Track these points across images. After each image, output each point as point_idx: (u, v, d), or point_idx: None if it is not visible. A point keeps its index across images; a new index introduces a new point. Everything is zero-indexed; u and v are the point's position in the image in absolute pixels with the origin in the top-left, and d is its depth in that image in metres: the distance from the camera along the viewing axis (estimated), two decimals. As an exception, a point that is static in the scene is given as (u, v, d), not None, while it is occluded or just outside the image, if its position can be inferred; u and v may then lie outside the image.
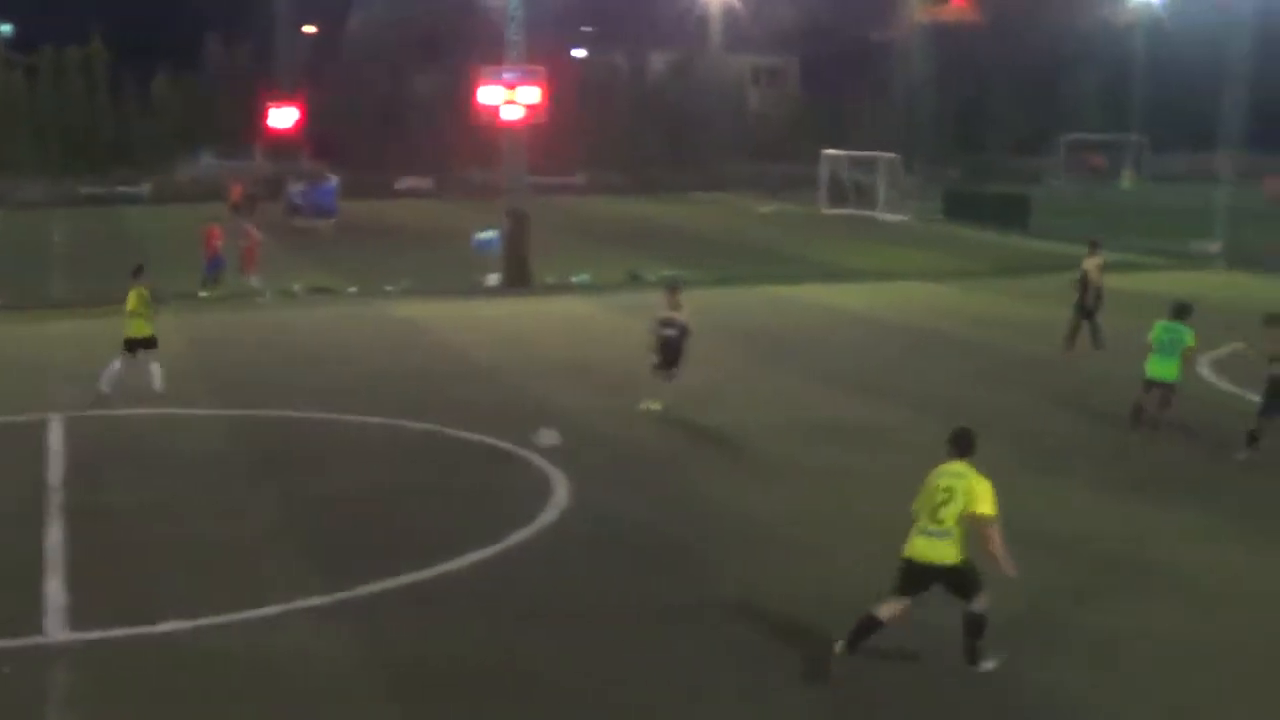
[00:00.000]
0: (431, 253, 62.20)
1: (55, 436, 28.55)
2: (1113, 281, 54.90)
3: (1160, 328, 30.27)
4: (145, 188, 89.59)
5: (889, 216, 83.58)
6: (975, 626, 18.11)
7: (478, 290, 52.29)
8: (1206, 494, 26.39)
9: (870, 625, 18.00)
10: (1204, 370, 36.87)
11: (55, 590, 20.94)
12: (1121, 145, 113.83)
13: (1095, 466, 28.65)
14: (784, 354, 40.95)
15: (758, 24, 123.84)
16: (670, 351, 32.83)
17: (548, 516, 24.77)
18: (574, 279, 55.76)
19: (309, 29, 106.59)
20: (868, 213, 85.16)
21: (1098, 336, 40.80)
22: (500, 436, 29.78)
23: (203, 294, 50.21)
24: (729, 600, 21.03)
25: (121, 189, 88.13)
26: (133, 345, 32.55)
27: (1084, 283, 41.71)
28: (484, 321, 44.75)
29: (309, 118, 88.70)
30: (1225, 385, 35.94)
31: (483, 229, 58.19)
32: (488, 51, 58.10)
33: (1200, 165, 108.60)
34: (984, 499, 17.91)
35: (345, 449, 30.07)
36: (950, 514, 17.98)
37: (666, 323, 33.12)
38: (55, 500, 25.61)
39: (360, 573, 21.34)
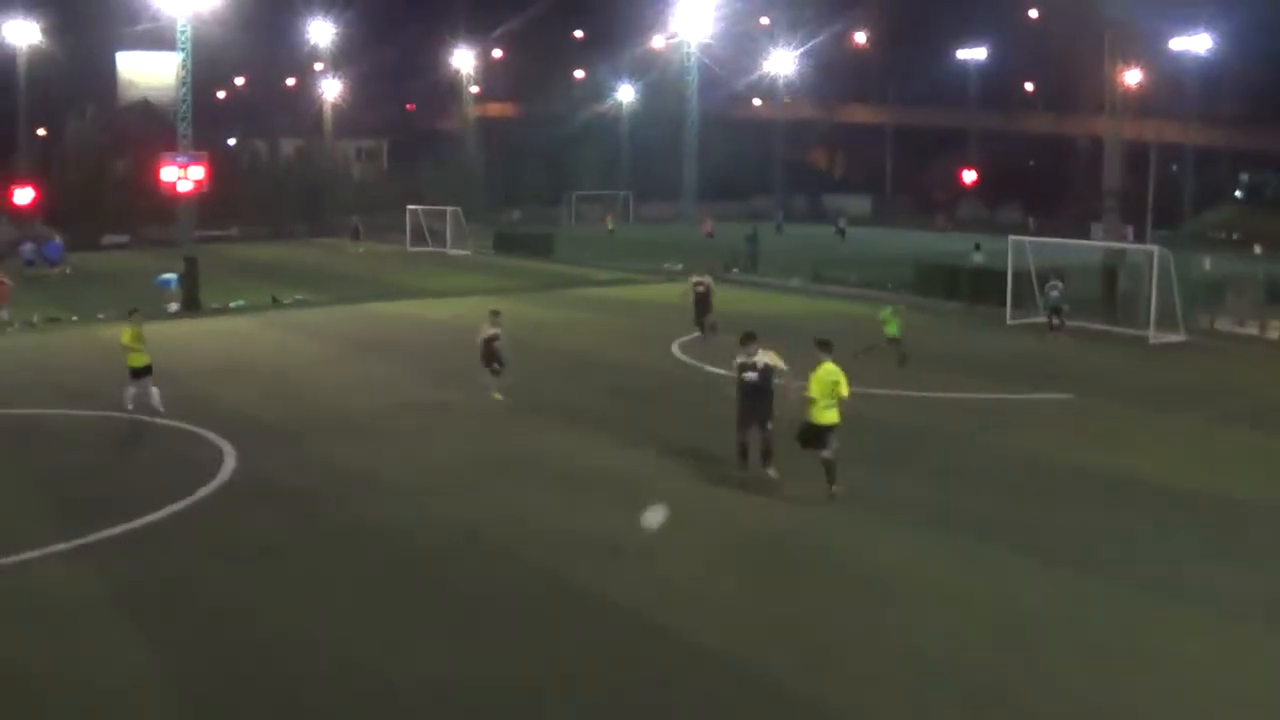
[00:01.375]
0: (128, 288, 60.64)
1: None
2: (616, 291, 56.40)
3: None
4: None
5: (456, 251, 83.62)
6: (832, 465, 21.71)
7: (163, 314, 51.27)
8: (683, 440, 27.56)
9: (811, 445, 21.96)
10: (675, 350, 38.27)
11: None
12: (612, 199, 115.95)
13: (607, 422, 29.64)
14: (382, 353, 41.04)
15: (358, 117, 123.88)
16: (498, 357, 31.84)
17: (222, 477, 24.72)
18: (232, 304, 54.90)
19: (41, 131, 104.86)
20: (440, 249, 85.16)
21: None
22: (184, 421, 29.40)
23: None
24: (345, 528, 21.48)
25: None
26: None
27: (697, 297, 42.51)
28: (168, 338, 43.82)
29: (41, 194, 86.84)
30: (689, 360, 37.31)
31: (163, 272, 57.11)
32: (166, 142, 57.02)
33: (668, 211, 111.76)
34: (846, 385, 21.85)
35: (70, 434, 29.38)
36: (838, 393, 21.68)
37: (492, 338, 31.89)
38: None
39: (92, 523, 21.20)
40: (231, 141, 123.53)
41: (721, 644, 15.89)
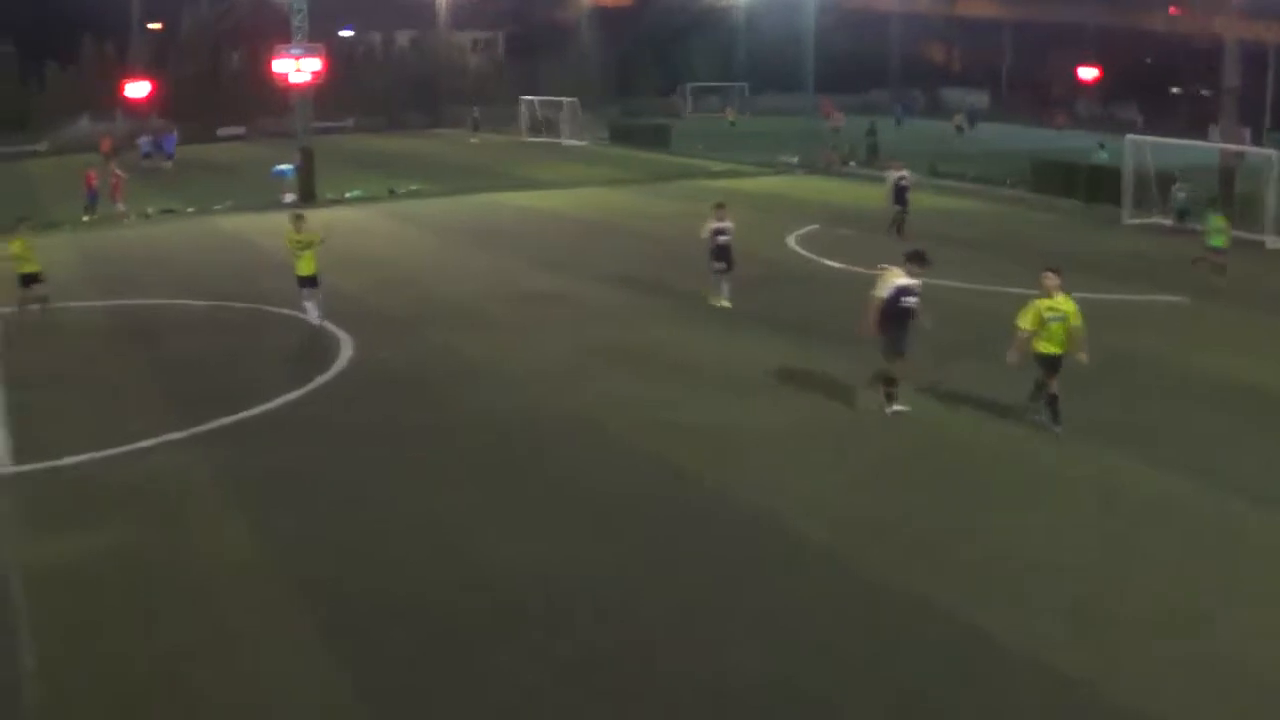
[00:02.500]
0: (245, 180, 61.14)
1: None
2: (732, 183, 55.97)
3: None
4: (44, 145, 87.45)
5: (571, 142, 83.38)
6: (1055, 399, 19.67)
7: (278, 206, 51.60)
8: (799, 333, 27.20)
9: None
10: (791, 243, 37.77)
11: (0, 436, 20.78)
12: (728, 90, 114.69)
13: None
14: (496, 243, 40.98)
15: (473, 8, 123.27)
16: (727, 254, 29.16)
17: (339, 365, 24.89)
18: (348, 194, 55.16)
19: (154, 26, 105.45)
20: (556, 140, 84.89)
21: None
22: (302, 311, 29.50)
23: (84, 219, 49.18)
24: (457, 416, 21.52)
25: (27, 148, 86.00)
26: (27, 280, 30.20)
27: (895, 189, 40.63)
28: (284, 229, 44.22)
29: (156, 88, 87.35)
30: (807, 253, 36.86)
31: (279, 163, 57.35)
32: (281, 34, 57.06)
33: (784, 103, 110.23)
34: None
35: (189, 324, 29.59)
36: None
37: (719, 231, 29.02)
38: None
39: (208, 412, 21.37)
40: (346, 33, 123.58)
41: (826, 537, 15.74)
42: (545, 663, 12.76)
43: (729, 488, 17.58)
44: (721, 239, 29.04)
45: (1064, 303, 19.52)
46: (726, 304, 29.19)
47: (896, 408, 20.70)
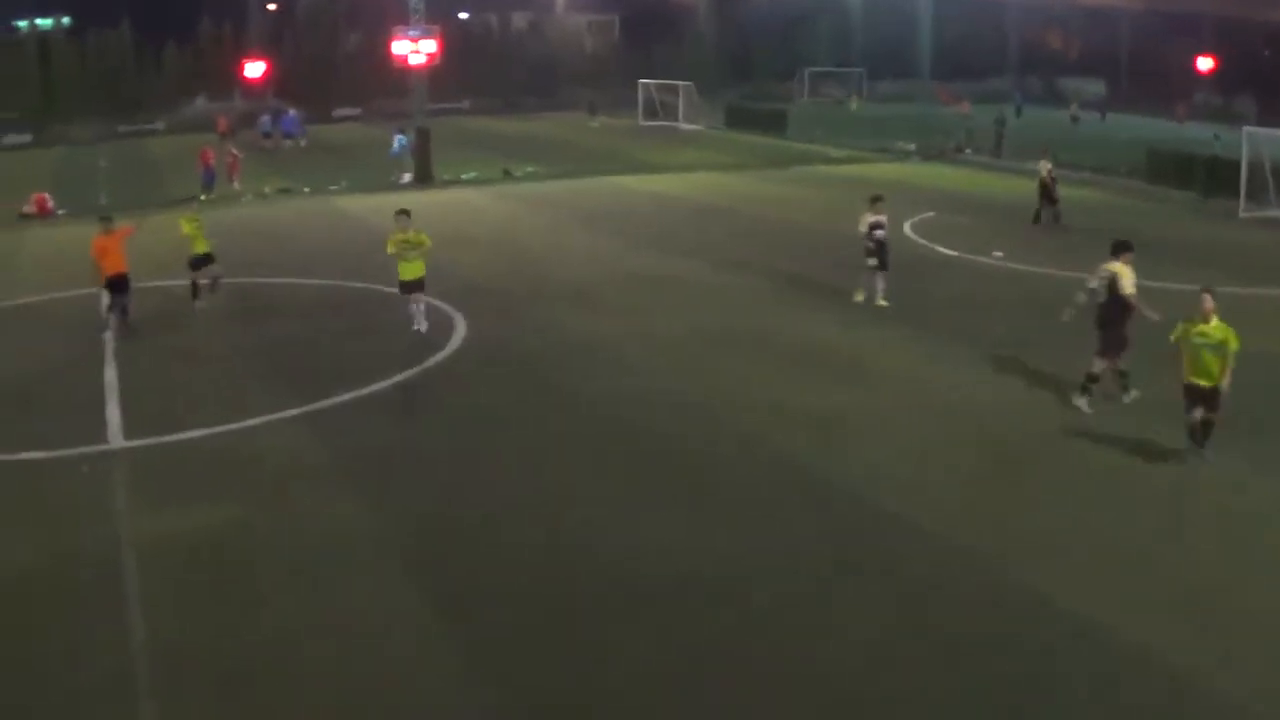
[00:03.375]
0: (361, 161, 61.65)
1: (104, 304, 28.04)
2: (848, 169, 55.66)
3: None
4: (161, 124, 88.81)
5: (687, 126, 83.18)
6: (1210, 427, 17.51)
7: (395, 186, 51.94)
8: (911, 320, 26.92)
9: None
10: (906, 230, 37.37)
11: (113, 412, 21.02)
12: (846, 76, 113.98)
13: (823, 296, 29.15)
14: (612, 226, 40.91)
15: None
16: (883, 251, 27.59)
17: (452, 345, 24.97)
18: (464, 176, 55.42)
19: (272, 6, 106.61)
20: (672, 124, 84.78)
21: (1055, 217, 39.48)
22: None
23: (200, 198, 49.69)
24: (568, 397, 21.49)
25: (145, 126, 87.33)
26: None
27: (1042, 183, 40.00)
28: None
29: (273, 68, 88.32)
30: (922, 240, 36.49)
31: (397, 131, 58.47)
32: (398, 16, 57.43)
33: (899, 89, 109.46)
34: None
35: (304, 303, 29.83)
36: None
37: (876, 225, 27.41)
38: (109, 348, 25.55)
39: (321, 391, 21.50)
40: (463, 16, 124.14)
41: (938, 528, 15.47)
42: (661, 646, 12.67)
43: (840, 475, 17.36)
44: (879, 234, 27.51)
45: (1218, 329, 17.48)
46: (884, 303, 27.60)
47: (1133, 394, 20.13)
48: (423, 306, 26.08)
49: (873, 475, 17.35)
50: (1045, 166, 40.12)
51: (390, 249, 25.98)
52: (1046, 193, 39.74)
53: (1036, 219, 39.41)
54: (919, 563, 14.57)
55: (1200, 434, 17.69)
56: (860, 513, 16.08)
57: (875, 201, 27.82)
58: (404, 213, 26.44)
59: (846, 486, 16.95)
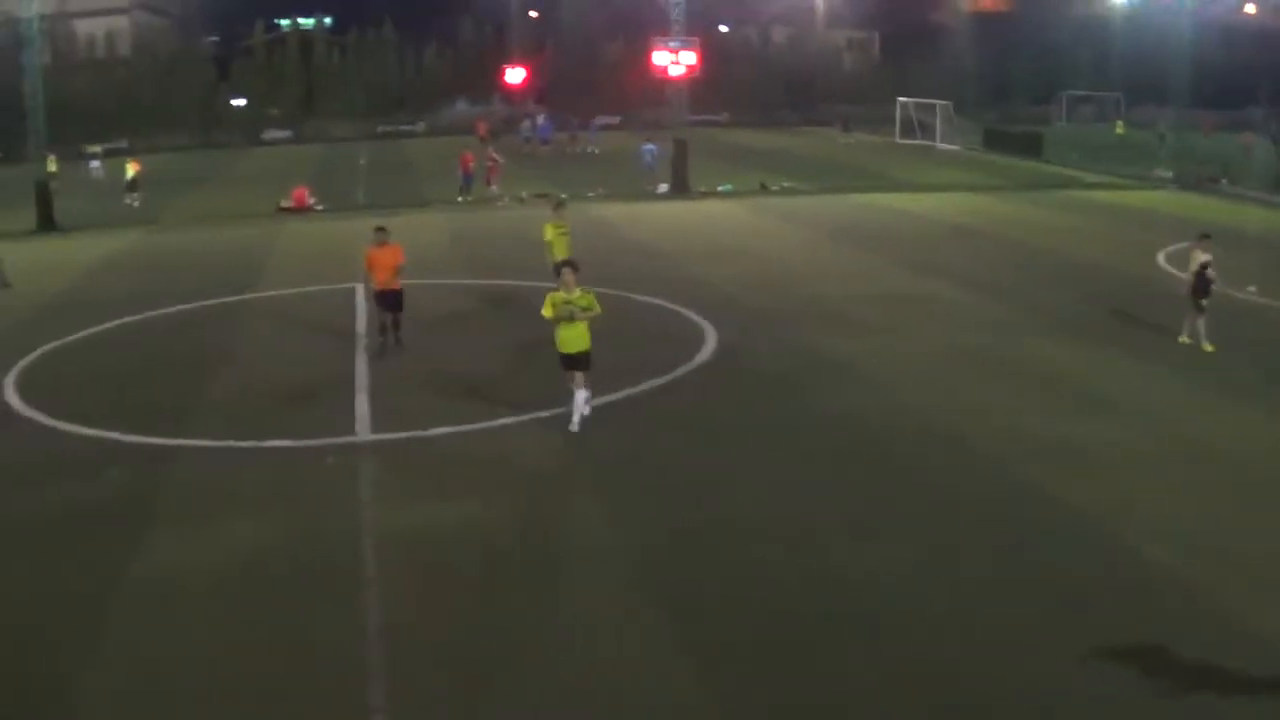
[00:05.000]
0: (618, 169, 62.13)
1: (361, 298, 28.51)
2: (1104, 195, 54.24)
3: None
4: (420, 125, 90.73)
5: (944, 146, 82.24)
6: None
7: (651, 196, 52.18)
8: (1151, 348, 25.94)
9: None
10: (1160, 260, 36.23)
11: (362, 405, 21.37)
12: (1103, 100, 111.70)
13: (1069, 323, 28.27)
14: (866, 244, 40.38)
15: (850, 7, 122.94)
16: (1207, 290, 25.55)
17: (702, 356, 24.77)
18: (720, 188, 55.45)
19: (533, 14, 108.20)
20: (929, 143, 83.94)
21: None
22: (669, 300, 29.72)
23: (459, 200, 50.68)
24: (814, 414, 21.09)
25: (404, 127, 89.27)
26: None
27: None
28: (655, 218, 44.78)
29: (533, 75, 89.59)
30: (1176, 271, 35.28)
31: (646, 143, 58.73)
32: (658, 27, 57.87)
33: (1158, 116, 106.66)
34: None
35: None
36: None
37: (1206, 264, 25.51)
38: (360, 342, 25.96)
39: (568, 396, 21.45)
40: (723, 29, 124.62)
41: (1179, 564, 14.64)
42: (880, 672, 12.33)
43: (1083, 506, 16.52)
44: (1210, 272, 25.78)
45: None
46: (1209, 347, 25.43)
47: None
48: (586, 394, 20.23)
49: (1116, 508, 16.46)
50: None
51: (547, 313, 20.10)
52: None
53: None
54: (1153, 601, 13.78)
55: None
56: (1098, 545, 15.34)
57: (1203, 239, 26.43)
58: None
59: (1088, 517, 16.13)
